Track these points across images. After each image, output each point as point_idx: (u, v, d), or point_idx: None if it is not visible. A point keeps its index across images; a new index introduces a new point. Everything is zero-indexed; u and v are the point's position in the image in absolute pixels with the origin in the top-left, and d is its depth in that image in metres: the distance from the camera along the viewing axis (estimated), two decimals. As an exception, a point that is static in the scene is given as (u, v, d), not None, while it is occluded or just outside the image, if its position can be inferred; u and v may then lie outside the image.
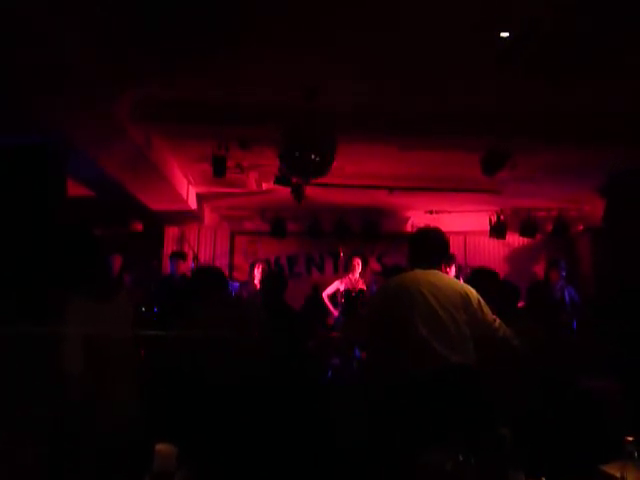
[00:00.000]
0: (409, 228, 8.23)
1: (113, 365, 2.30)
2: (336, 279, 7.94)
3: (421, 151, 5.06)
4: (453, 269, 5.76)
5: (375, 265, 8.26)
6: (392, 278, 2.68)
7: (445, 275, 2.66)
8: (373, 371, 2.60)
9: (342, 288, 5.99)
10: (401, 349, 2.43)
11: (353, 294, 5.72)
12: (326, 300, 6.15)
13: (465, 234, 8.48)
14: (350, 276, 6.06)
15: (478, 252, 8.58)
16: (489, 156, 4.70)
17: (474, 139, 4.53)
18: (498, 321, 2.55)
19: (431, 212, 7.85)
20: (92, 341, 2.20)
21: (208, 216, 8.06)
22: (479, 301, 2.53)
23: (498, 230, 7.62)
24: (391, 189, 6.41)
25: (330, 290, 6.24)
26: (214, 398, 2.56)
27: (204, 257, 8.17)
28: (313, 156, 3.80)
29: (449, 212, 7.82)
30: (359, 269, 6.08)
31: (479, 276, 3.18)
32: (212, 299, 3.00)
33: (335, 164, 4.05)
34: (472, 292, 2.58)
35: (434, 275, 2.55)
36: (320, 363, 3.60)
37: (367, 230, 7.90)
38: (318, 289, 8.08)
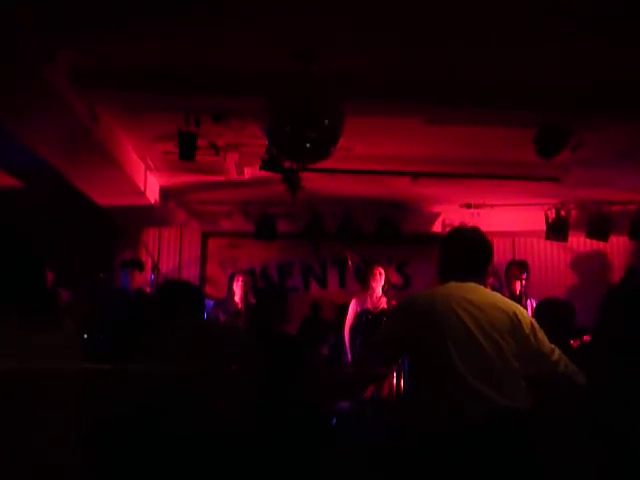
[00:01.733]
0: (439, 228, 8.24)
1: (46, 412, 2.30)
2: (342, 294, 7.95)
3: (455, 126, 5.05)
4: (524, 281, 5.77)
5: (394, 277, 8.27)
6: (418, 293, 2.68)
7: (487, 290, 2.66)
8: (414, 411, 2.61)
9: (360, 309, 5.90)
10: (428, 388, 2.43)
11: (370, 316, 5.70)
12: (347, 338, 5.98)
13: (514, 235, 8.49)
14: (371, 293, 5.98)
15: (531, 259, 8.53)
16: (546, 133, 4.69)
17: (526, 110, 4.53)
18: (558, 352, 2.54)
19: (469, 206, 7.85)
20: (15, 380, 2.20)
21: (172, 212, 8.07)
22: (532, 324, 2.53)
23: (558, 230, 7.63)
24: (415, 176, 6.41)
25: (349, 318, 6.04)
26: (178, 457, 2.56)
27: (167, 267, 8.21)
28: (311, 133, 3.80)
29: (492, 206, 7.81)
30: (382, 282, 6.00)
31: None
32: (182, 323, 3.00)
33: (341, 143, 4.05)
34: (523, 313, 2.57)
35: (473, 290, 2.55)
36: (322, 408, 3.60)
37: (383, 231, 7.86)
38: (318, 308, 8.09)
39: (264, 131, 4.08)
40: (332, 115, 3.94)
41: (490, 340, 2.40)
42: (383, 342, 2.59)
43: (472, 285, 2.57)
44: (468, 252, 2.62)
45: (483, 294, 2.56)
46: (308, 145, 3.84)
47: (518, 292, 5.85)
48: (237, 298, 6.32)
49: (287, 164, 5.26)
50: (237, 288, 6.36)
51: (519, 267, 6.17)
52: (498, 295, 2.68)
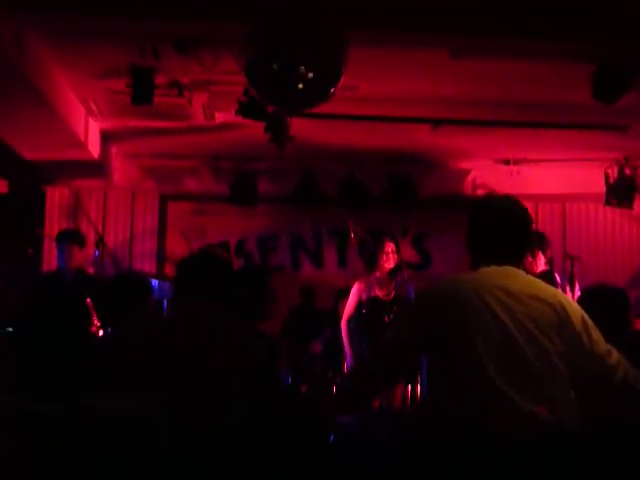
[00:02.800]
0: (469, 190, 8.29)
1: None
2: (343, 275, 7.95)
3: (489, 59, 5.07)
4: (541, 259, 5.77)
5: (410, 253, 8.32)
6: (443, 280, 2.74)
7: (528, 277, 2.72)
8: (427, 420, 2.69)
9: (365, 297, 5.95)
10: (450, 396, 2.50)
11: (379, 306, 5.74)
12: (345, 332, 6.03)
13: (564, 199, 8.52)
14: (379, 275, 6.04)
15: (585, 230, 8.61)
16: (606, 70, 4.71)
17: (582, 39, 4.55)
18: (615, 354, 2.61)
19: (506, 162, 7.89)
20: None
21: (121, 169, 8.06)
22: (583, 319, 2.59)
23: (620, 193, 7.63)
24: (438, 123, 6.44)
25: (350, 307, 6.09)
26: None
27: (115, 240, 8.23)
28: (306, 69, 3.82)
29: (536, 162, 7.84)
30: (394, 260, 6.06)
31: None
32: (138, 316, 3.04)
33: (344, 81, 4.07)
34: (572, 305, 2.64)
35: (509, 276, 2.61)
36: (317, 422, 3.70)
37: (396, 193, 7.93)
38: (310, 294, 8.08)
39: (243, 67, 4.09)
40: (332, 46, 3.97)
41: (530, 338, 2.47)
42: (396, 344, 2.65)
43: (508, 269, 2.63)
44: (500, 228, 2.65)
45: (521, 281, 2.62)
46: (301, 86, 3.87)
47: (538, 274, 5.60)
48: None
49: (271, 109, 5.27)
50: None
51: None
52: (541, 282, 2.74)
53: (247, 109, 5.29)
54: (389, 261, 5.92)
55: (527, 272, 2.80)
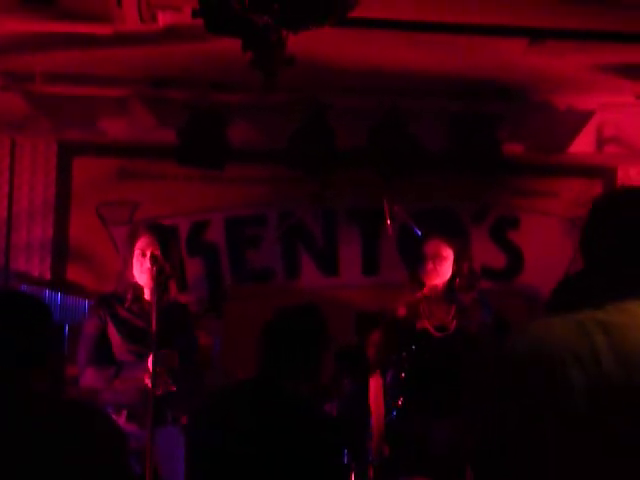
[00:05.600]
0: (589, 146, 8.44)
1: None
2: (372, 289, 8.22)
3: None
4: None
5: (488, 251, 8.51)
6: (529, 326, 2.76)
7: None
8: None
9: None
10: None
11: (429, 348, 5.85)
12: (375, 392, 5.97)
13: None
14: (427, 292, 5.96)
15: None
16: None
17: None
18: None
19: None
20: None
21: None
22: None
23: None
24: (537, 37, 6.65)
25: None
26: None
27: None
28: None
29: None
30: (443, 272, 5.94)
31: None
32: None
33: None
34: None
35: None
36: None
37: (463, 149, 8.10)
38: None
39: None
40: None
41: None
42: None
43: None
44: (629, 244, 2.80)
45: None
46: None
47: None
48: (144, 285, 5.87)
49: (258, 18, 5.32)
50: (142, 266, 5.81)
51: None
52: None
53: (214, 15, 5.44)
54: (435, 272, 6.03)
55: None
